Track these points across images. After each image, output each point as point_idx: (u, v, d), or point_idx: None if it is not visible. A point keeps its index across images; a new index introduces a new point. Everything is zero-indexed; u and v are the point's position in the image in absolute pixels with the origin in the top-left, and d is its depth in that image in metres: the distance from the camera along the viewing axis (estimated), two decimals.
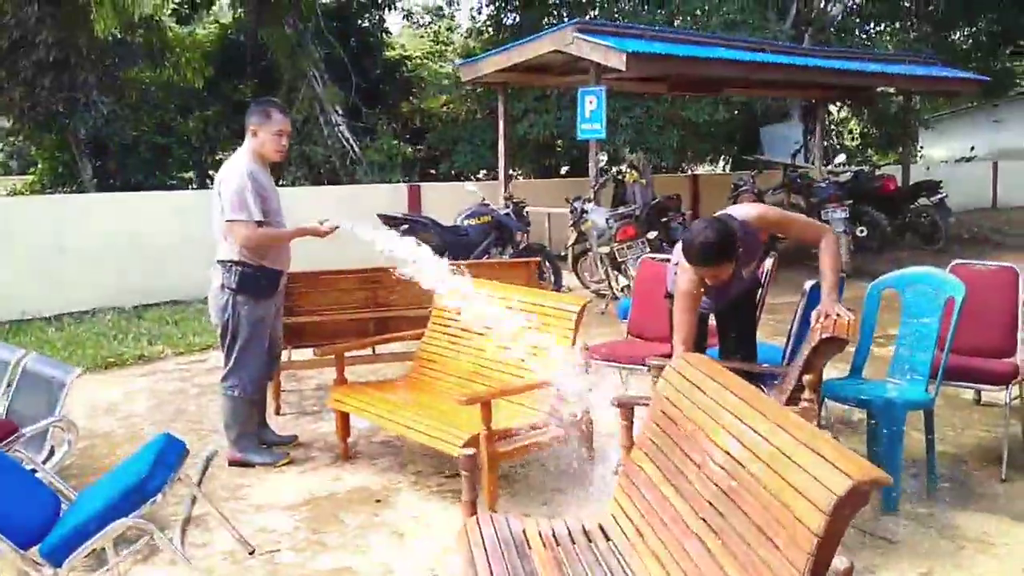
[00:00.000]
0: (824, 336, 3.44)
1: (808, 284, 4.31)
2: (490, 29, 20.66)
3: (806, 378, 3.43)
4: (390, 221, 8.15)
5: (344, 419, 4.72)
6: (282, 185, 15.75)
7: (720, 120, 15.66)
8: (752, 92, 13.91)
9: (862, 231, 10.69)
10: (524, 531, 3.03)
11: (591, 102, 9.25)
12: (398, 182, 15.66)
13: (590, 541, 3.02)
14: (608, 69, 9.22)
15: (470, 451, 3.12)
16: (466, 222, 8.80)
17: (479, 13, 21.69)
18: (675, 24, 16.06)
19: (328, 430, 5.24)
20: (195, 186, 20.50)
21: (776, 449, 2.31)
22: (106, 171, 17.17)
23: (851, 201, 10.29)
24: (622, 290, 7.93)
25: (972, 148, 22.96)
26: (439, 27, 23.84)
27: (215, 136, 20.94)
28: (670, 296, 4.26)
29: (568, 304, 4.33)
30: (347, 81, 17.42)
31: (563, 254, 9.26)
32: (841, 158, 13.08)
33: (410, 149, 16.81)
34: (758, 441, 2.40)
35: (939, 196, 11.84)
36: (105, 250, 9.01)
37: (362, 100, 17.71)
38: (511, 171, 11.23)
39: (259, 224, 4.40)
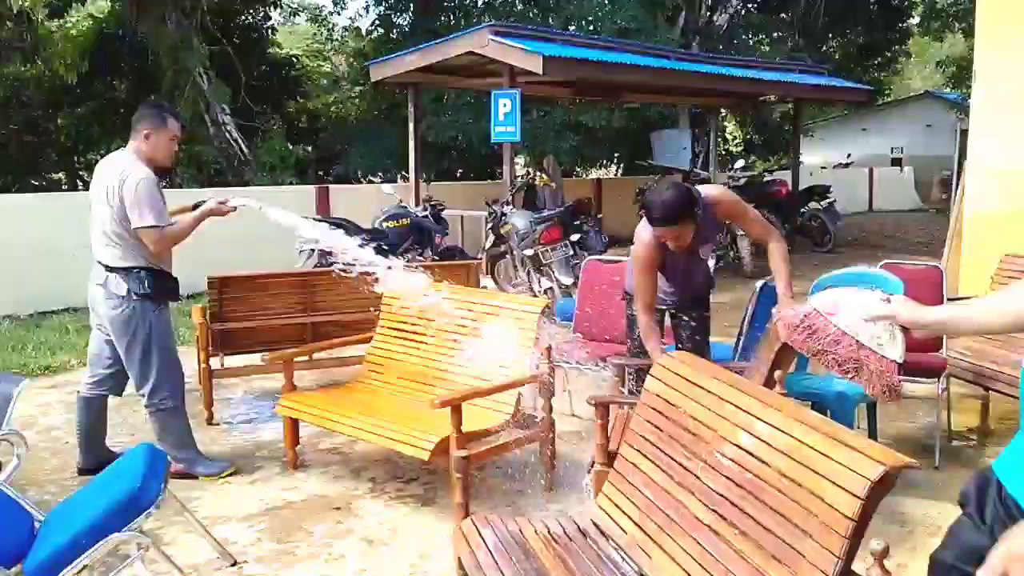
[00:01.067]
0: None
1: (758, 284, 4.45)
2: (379, 29, 20.45)
3: (777, 373, 3.53)
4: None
5: (294, 426, 4.59)
6: (170, 187, 15.24)
7: (616, 126, 15.96)
8: (650, 98, 14.27)
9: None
10: (521, 531, 3.02)
11: (505, 105, 9.29)
12: (291, 184, 15.35)
13: (586, 538, 3.04)
14: (520, 72, 9.30)
15: (463, 453, 3.09)
16: (385, 225, 8.68)
17: (366, 12, 21.54)
18: (569, 29, 16.31)
19: (269, 438, 5.09)
20: (66, 187, 19.55)
21: (796, 440, 2.37)
22: None
23: (753, 205, 10.63)
24: (544, 292, 7.99)
25: (848, 155, 24.20)
26: (328, 26, 23.40)
27: (87, 135, 20.04)
28: (628, 296, 4.34)
29: (529, 306, 4.33)
30: (233, 79, 16.95)
31: (478, 257, 9.24)
32: (740, 163, 13.55)
33: (302, 150, 16.42)
34: (774, 434, 2.46)
35: (828, 200, 12.42)
36: None
37: (250, 99, 17.25)
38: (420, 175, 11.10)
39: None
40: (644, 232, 3.93)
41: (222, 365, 5.50)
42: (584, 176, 18.97)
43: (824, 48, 22.79)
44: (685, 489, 2.76)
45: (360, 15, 23.82)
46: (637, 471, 3.04)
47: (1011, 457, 1.97)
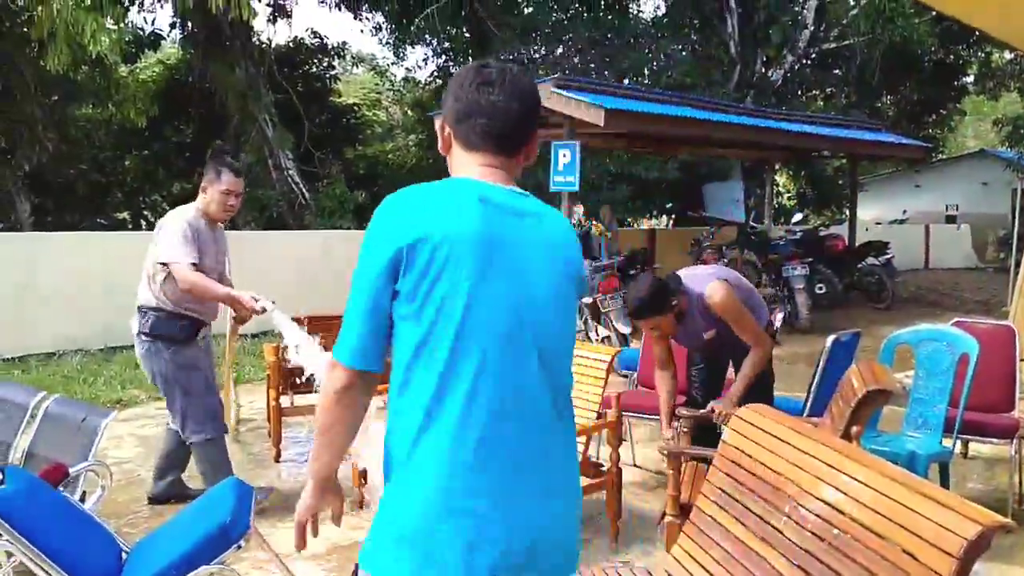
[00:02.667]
0: (871, 388, 3.56)
1: (830, 339, 4.45)
2: (437, 80, 20.90)
3: (854, 429, 3.53)
4: None
5: None
6: (232, 229, 15.57)
7: (669, 177, 16.05)
8: (706, 151, 14.33)
9: (820, 288, 11.06)
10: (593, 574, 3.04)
11: (565, 155, 9.42)
12: (348, 228, 15.61)
13: None
14: (580, 124, 9.43)
15: None
16: None
17: (424, 64, 22.10)
18: (624, 83, 16.51)
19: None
20: (131, 227, 20.10)
21: (885, 496, 2.38)
22: (44, 209, 16.72)
23: (810, 259, 10.65)
24: (601, 341, 8.02)
25: (904, 211, 23.98)
26: (389, 76, 23.96)
27: (153, 177, 20.65)
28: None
29: (599, 354, 4.38)
30: (296, 125, 17.38)
31: None
32: (798, 216, 13.54)
33: (361, 196, 16.74)
34: (860, 489, 2.47)
35: (887, 256, 12.33)
36: (71, 290, 8.70)
37: (311, 146, 17.68)
38: None
39: (194, 266, 4.29)
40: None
41: (292, 404, 5.59)
42: (636, 226, 19.06)
43: (878, 104, 22.77)
44: (767, 543, 2.76)
45: (419, 67, 24.34)
46: (715, 523, 3.04)
47: None
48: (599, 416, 4.24)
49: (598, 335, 8.07)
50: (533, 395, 1.85)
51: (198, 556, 2.68)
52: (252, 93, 16.59)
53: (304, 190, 16.79)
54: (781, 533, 2.69)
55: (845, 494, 2.51)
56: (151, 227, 18.91)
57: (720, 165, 18.20)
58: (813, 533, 2.56)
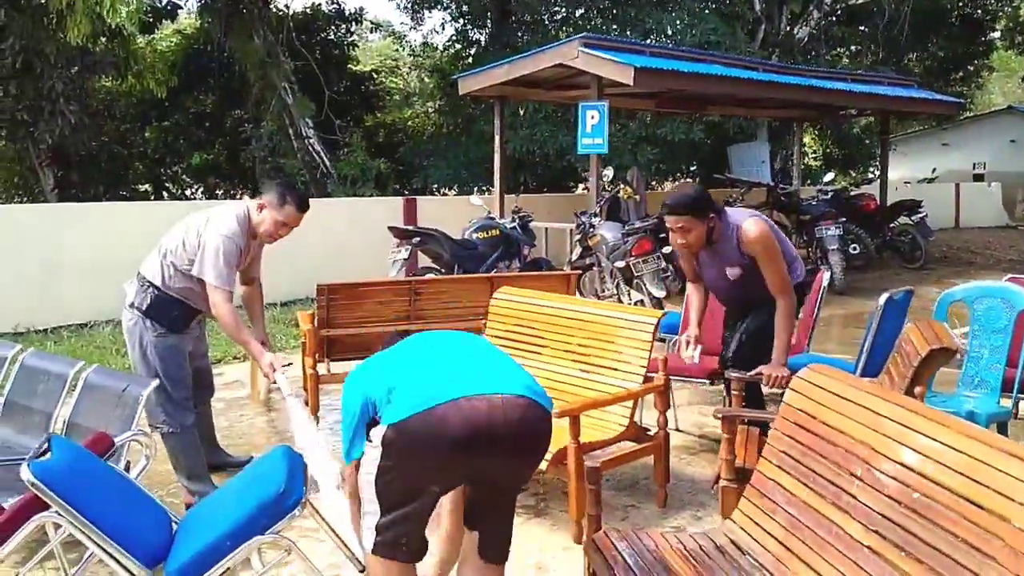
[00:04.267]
0: (934, 347, 3.44)
1: (883, 298, 4.31)
2: (456, 45, 20.62)
3: (918, 389, 3.42)
4: (403, 233, 8.03)
5: None
6: (253, 197, 15.46)
7: (695, 139, 15.79)
8: (733, 111, 14.10)
9: (855, 248, 10.85)
10: (657, 546, 2.95)
11: (593, 116, 9.25)
12: (371, 196, 15.53)
13: (724, 555, 2.95)
14: (608, 84, 9.26)
15: (596, 463, 3.04)
16: (474, 235, 8.71)
17: (442, 28, 21.84)
18: (649, 42, 16.22)
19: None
20: (153, 198, 20.06)
21: (970, 458, 2.27)
22: (68, 182, 16.67)
23: (843, 220, 10.46)
24: (634, 304, 7.90)
25: (934, 170, 23.61)
26: (407, 41, 23.70)
27: (174, 147, 20.59)
28: None
29: (644, 317, 4.27)
30: (316, 94, 17.24)
31: (563, 268, 9.20)
32: (829, 176, 13.29)
33: (383, 164, 16.60)
34: (943, 450, 2.36)
35: (920, 215, 12.09)
36: (101, 261, 8.63)
37: (332, 113, 17.53)
38: (507, 186, 11.11)
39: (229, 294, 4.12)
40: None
41: (328, 371, 5.52)
42: (660, 189, 18.81)
43: (905, 61, 22.32)
44: (838, 508, 2.65)
45: (436, 31, 24.07)
46: (778, 488, 2.94)
47: None
48: (645, 380, 4.13)
49: (631, 299, 7.96)
50: None
51: (252, 526, 2.61)
52: (271, 61, 16.46)
53: (326, 159, 16.70)
54: (854, 497, 2.58)
55: (924, 455, 2.40)
56: (173, 198, 18.87)
57: (746, 126, 17.92)
58: (890, 497, 2.45)
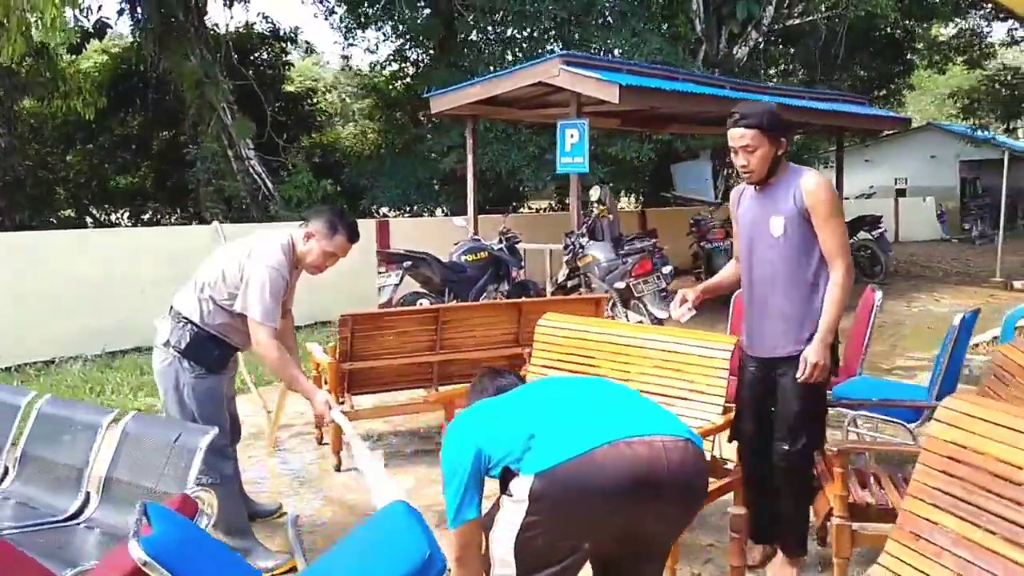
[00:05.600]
0: None
1: (957, 319, 4.19)
2: (393, 63, 20.31)
3: None
4: (391, 257, 7.70)
5: None
6: (200, 223, 14.96)
7: (645, 158, 15.81)
8: (694, 129, 14.12)
9: None
10: None
11: (572, 135, 9.07)
12: None
13: None
14: (584, 102, 9.12)
15: (740, 510, 2.81)
16: (463, 258, 8.43)
17: (376, 48, 21.55)
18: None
19: (409, 486, 4.78)
20: (77, 225, 19.14)
21: None
22: None
23: None
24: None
25: (871, 187, 24.22)
26: (349, 65, 23.32)
27: (99, 171, 19.73)
28: None
29: (719, 344, 4.05)
30: (255, 114, 16.72)
31: (548, 290, 8.98)
32: None
33: (329, 184, 16.16)
34: None
35: (879, 230, 12.26)
36: (62, 293, 8.07)
37: (272, 134, 17.02)
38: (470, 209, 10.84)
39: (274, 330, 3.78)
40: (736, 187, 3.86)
41: (352, 407, 5.15)
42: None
43: (834, 80, 22.89)
44: (1016, 545, 2.48)
45: (371, 51, 23.75)
46: (936, 528, 2.75)
47: None
48: (724, 411, 3.91)
49: (628, 321, 7.76)
50: None
51: None
52: (209, 81, 15.89)
53: (267, 180, 16.19)
54: None
55: None
56: (98, 224, 18.01)
57: (692, 144, 18.05)
58: None
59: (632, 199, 22.34)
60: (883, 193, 26.27)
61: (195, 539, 2.46)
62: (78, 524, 3.46)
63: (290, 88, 21.15)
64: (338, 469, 5.09)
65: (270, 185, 16.14)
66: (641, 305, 7.65)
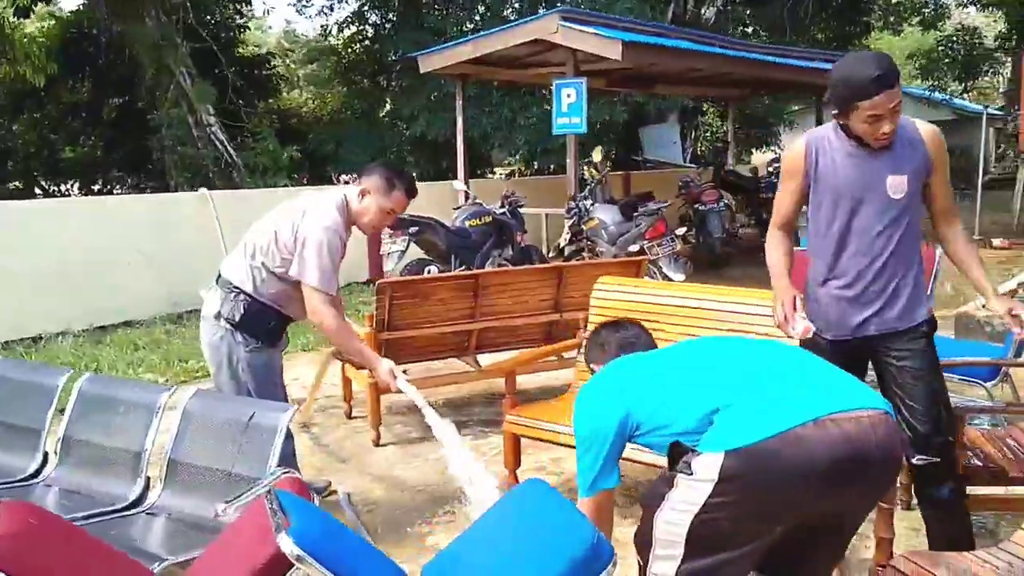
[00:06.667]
0: None
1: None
2: (352, 26, 19.74)
3: None
4: (398, 223, 7.39)
5: (516, 447, 4.08)
6: (164, 191, 14.40)
7: (619, 120, 15.61)
8: (680, 89, 13.91)
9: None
10: (971, 568, 2.57)
11: (569, 95, 8.82)
12: (285, 186, 14.67)
13: None
14: (580, 60, 8.89)
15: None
16: (467, 223, 8.14)
17: (331, 10, 20.90)
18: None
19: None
20: (24, 197, 18.37)
21: None
22: None
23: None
24: None
25: None
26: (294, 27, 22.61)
27: (48, 140, 18.92)
28: None
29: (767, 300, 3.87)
30: (215, 79, 16.12)
31: (550, 255, 8.78)
32: (772, 156, 13.27)
33: (295, 151, 15.68)
34: None
35: None
36: (45, 266, 7.59)
37: (231, 99, 16.43)
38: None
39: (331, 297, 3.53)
40: (793, 142, 3.15)
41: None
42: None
43: (796, 43, 22.89)
44: None
45: (326, 13, 23.06)
46: None
47: None
48: None
49: None
50: None
51: None
52: (166, 45, 15.23)
53: (229, 147, 15.64)
54: None
55: None
56: (47, 195, 17.27)
57: (663, 107, 17.91)
58: None
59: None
60: None
61: (336, 529, 2.22)
62: (140, 511, 3.18)
63: (246, 52, 20.46)
64: (376, 444, 4.85)
65: (232, 152, 15.59)
66: (655, 268, 7.47)
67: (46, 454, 3.52)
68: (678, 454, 2.25)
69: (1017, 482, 3.14)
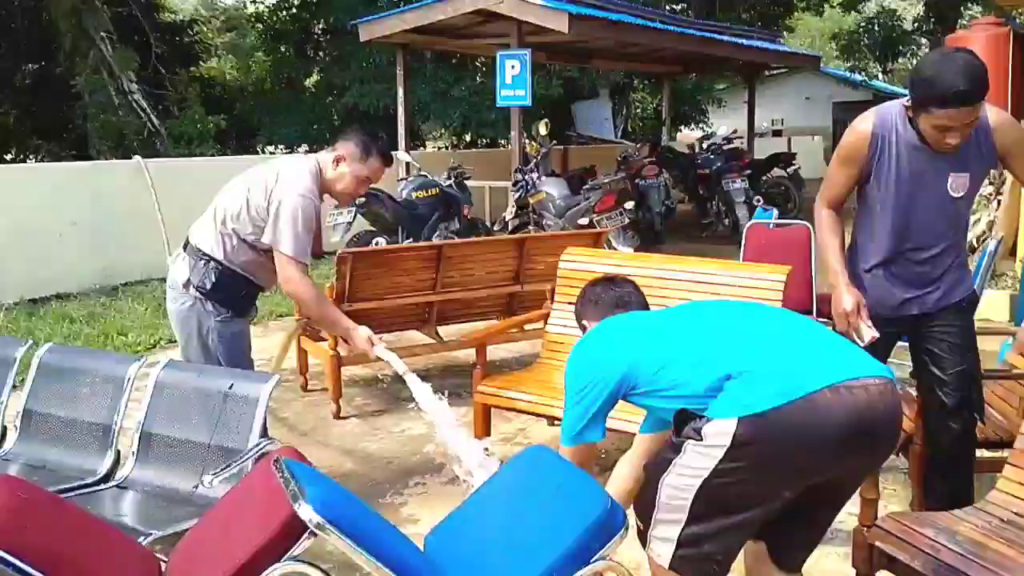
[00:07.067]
0: None
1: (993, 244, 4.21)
2: None
3: None
4: None
5: (487, 417, 4.06)
6: (85, 159, 13.84)
7: (554, 95, 15.61)
8: (615, 64, 13.95)
9: (758, 200, 10.92)
10: (952, 527, 2.66)
11: (513, 67, 8.78)
12: (212, 155, 14.31)
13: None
14: (524, 32, 8.84)
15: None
16: (414, 195, 8.04)
17: None
18: None
19: (418, 432, 4.54)
20: None
21: None
22: None
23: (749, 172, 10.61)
24: None
25: (774, 121, 24.78)
26: None
27: None
28: None
29: (771, 274, 3.94)
30: (135, 45, 15.56)
31: (495, 227, 8.74)
32: (723, 130, 13.39)
33: (222, 120, 15.27)
34: None
35: (795, 168, 12.49)
36: None
37: (154, 66, 15.89)
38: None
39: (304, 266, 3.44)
40: (861, 122, 3.02)
41: (350, 352, 4.81)
42: (505, 146, 18.61)
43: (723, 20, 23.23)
44: None
45: None
46: None
47: None
48: None
49: None
50: None
51: (584, 554, 2.08)
52: (85, 8, 14.63)
53: (152, 116, 15.15)
54: None
55: None
56: None
57: (595, 82, 17.95)
58: None
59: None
60: (760, 132, 27.04)
61: (351, 497, 2.17)
62: (111, 486, 3.07)
63: (167, 18, 19.79)
64: (337, 416, 4.78)
65: (155, 121, 15.11)
66: (607, 241, 7.49)
67: (4, 428, 3.37)
68: (683, 420, 2.25)
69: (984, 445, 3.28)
